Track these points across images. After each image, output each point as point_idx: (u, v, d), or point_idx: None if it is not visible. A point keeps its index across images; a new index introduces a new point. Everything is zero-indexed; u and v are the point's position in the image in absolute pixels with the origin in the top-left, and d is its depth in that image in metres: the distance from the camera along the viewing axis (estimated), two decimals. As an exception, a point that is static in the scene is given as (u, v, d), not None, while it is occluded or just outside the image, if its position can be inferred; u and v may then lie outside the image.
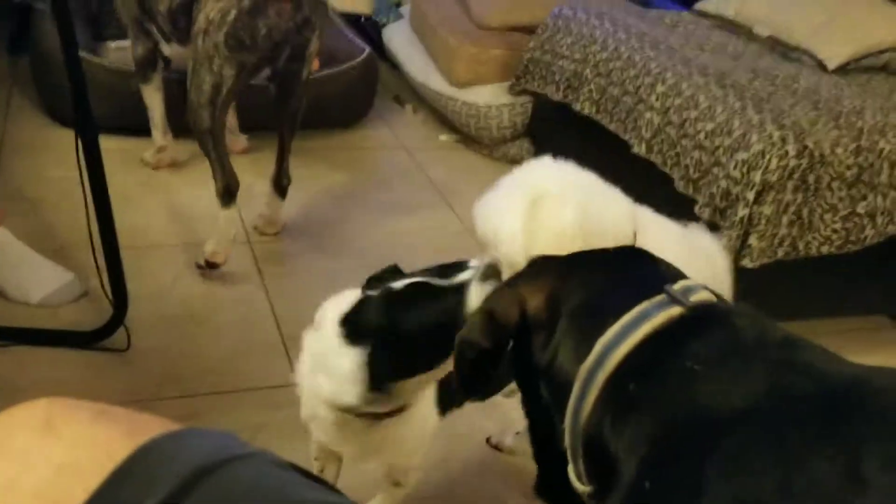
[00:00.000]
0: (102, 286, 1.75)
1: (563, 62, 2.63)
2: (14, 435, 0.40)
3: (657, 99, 2.22)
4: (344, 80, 2.95)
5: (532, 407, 0.68)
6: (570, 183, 1.42)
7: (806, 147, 1.86)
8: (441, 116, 3.27)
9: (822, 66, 2.42)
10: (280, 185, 2.27)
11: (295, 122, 2.23)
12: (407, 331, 0.97)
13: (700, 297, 0.61)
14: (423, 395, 1.15)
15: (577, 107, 2.54)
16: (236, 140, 2.72)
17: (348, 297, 1.06)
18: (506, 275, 1.47)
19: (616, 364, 0.57)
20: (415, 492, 1.43)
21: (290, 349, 1.91)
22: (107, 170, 1.64)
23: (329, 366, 1.05)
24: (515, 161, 3.04)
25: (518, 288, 0.67)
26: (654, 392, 0.55)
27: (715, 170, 1.99)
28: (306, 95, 2.23)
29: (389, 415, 1.09)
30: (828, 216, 1.95)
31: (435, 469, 1.50)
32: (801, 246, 1.95)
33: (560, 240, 1.45)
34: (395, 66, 3.59)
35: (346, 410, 1.07)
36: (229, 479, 0.39)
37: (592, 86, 2.48)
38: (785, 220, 1.91)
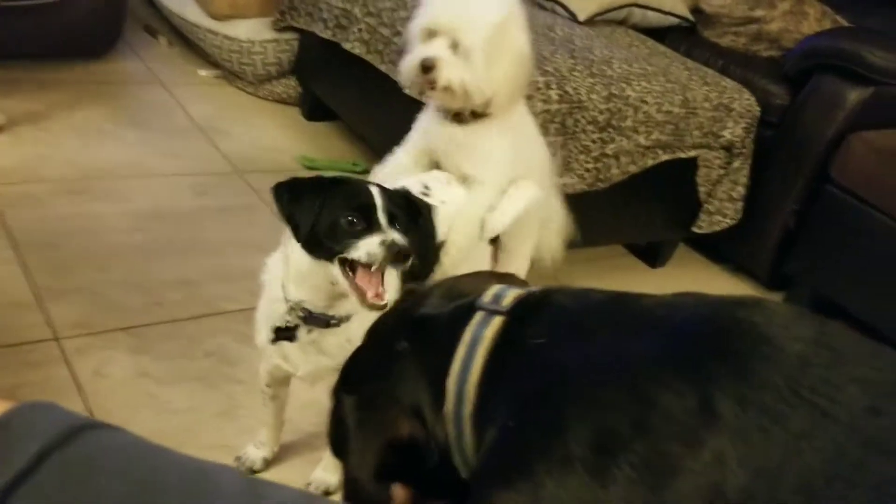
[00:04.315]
0: None
1: (332, -1, 2.57)
2: None
3: (427, 41, 2.25)
4: (86, 5, 2.65)
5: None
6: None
7: (567, 92, 2.00)
8: (199, 50, 3.07)
9: (574, 17, 2.59)
10: None
11: None
12: None
13: (511, 296, 0.63)
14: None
15: (346, 46, 2.50)
16: None
17: None
18: (444, 66, 1.57)
19: (474, 391, 0.60)
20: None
21: (44, 301, 1.73)
22: None
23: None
24: (282, 100, 2.96)
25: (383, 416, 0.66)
26: (512, 375, 0.58)
27: (484, 112, 2.07)
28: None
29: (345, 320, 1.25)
30: (582, 157, 2.12)
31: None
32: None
33: (517, 57, 1.61)
34: (143, -8, 3.31)
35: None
36: (90, 447, 0.40)
37: (363, 25, 2.46)
38: (546, 160, 2.04)
